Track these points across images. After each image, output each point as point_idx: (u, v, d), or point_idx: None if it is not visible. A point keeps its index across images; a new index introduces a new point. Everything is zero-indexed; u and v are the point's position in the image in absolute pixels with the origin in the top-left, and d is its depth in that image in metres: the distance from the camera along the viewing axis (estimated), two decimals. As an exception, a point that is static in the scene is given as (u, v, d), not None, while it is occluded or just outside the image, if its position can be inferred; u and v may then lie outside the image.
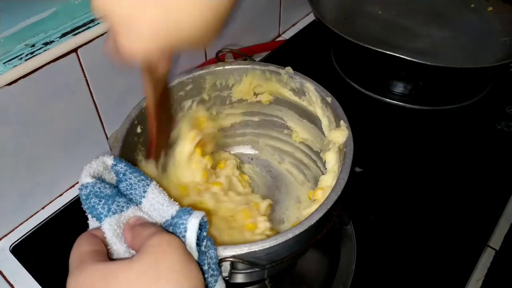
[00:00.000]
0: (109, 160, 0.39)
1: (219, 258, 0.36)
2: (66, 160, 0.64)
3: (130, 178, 0.38)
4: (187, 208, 0.35)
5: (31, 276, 0.57)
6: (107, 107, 0.66)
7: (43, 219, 0.63)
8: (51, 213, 0.64)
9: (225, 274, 0.36)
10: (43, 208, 0.65)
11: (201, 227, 0.34)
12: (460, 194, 0.66)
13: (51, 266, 0.57)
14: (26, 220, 0.64)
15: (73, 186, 0.68)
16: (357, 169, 0.68)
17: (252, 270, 0.40)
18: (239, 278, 0.46)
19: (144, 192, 0.37)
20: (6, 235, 0.62)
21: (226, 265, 0.36)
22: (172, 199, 0.38)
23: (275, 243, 0.37)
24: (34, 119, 0.57)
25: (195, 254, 0.33)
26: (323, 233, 0.43)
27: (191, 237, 0.33)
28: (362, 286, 0.56)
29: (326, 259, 0.59)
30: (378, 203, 0.65)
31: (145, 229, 0.33)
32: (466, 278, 0.57)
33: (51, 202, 0.66)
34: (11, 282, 0.57)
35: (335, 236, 0.60)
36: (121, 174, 0.38)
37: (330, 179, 0.52)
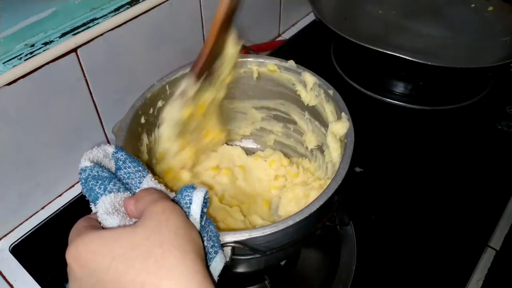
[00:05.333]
0: (110, 148, 0.39)
1: (221, 243, 0.36)
2: (65, 160, 0.64)
3: (128, 167, 0.38)
4: (191, 185, 0.36)
5: (30, 276, 0.57)
6: (107, 107, 0.66)
7: (42, 219, 0.63)
8: (51, 213, 0.64)
9: (226, 258, 0.37)
10: (42, 208, 0.65)
11: (203, 204, 0.35)
12: (461, 194, 0.66)
13: (51, 266, 0.57)
14: (26, 220, 0.63)
15: (72, 186, 0.68)
16: (357, 169, 0.68)
17: (252, 256, 0.40)
18: (241, 268, 0.46)
19: (140, 183, 0.38)
20: (5, 235, 0.62)
21: (228, 250, 0.37)
22: (169, 190, 0.38)
23: (275, 230, 0.38)
24: (34, 119, 0.57)
25: (198, 226, 0.34)
26: (323, 221, 0.43)
27: (196, 209, 0.34)
28: (362, 286, 0.56)
29: (326, 259, 0.59)
30: (378, 203, 0.65)
31: (149, 194, 0.34)
32: (466, 279, 0.57)
33: (50, 202, 0.66)
34: (11, 282, 0.57)
35: (335, 236, 0.60)
36: (121, 162, 0.39)
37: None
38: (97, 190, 0.35)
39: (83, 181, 0.35)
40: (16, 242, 0.61)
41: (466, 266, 0.58)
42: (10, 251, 0.60)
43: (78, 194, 0.66)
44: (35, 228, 0.62)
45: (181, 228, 0.31)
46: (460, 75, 0.74)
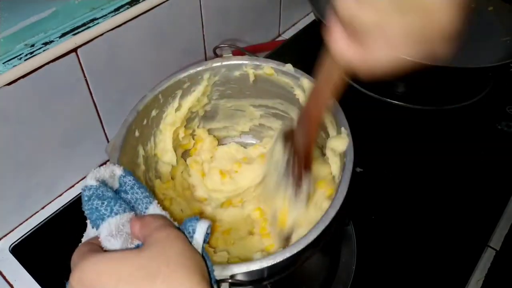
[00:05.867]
0: (118, 171, 0.39)
1: (219, 278, 0.37)
2: (65, 160, 0.64)
3: (136, 193, 0.39)
4: (195, 217, 0.36)
5: (30, 276, 0.57)
6: (107, 107, 0.66)
7: (42, 219, 0.63)
8: (51, 213, 0.64)
9: None
10: (42, 208, 0.65)
11: (205, 234, 0.35)
12: (461, 194, 0.66)
13: (51, 266, 0.57)
14: (26, 220, 0.63)
15: (72, 186, 0.68)
16: (357, 169, 0.68)
17: (251, 287, 0.40)
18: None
19: (146, 209, 0.38)
20: (6, 235, 0.62)
21: (225, 286, 0.37)
22: (172, 219, 0.38)
23: (273, 262, 0.38)
24: (34, 119, 0.57)
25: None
26: (321, 244, 0.43)
27: (198, 238, 0.34)
28: (362, 286, 0.56)
29: (326, 259, 0.59)
30: (378, 203, 0.65)
31: (155, 220, 0.34)
32: (466, 279, 0.57)
33: (50, 202, 0.66)
34: (11, 282, 0.57)
35: (335, 236, 0.60)
36: (128, 187, 0.39)
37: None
38: (103, 211, 0.34)
39: (86, 198, 0.35)
40: (16, 242, 0.61)
41: (466, 266, 0.58)
42: (10, 251, 0.60)
43: (78, 194, 0.66)
44: (35, 228, 0.62)
45: (186, 251, 0.31)
46: (460, 75, 0.74)
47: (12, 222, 0.62)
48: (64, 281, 0.32)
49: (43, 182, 0.63)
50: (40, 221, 0.63)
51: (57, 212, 0.64)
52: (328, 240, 0.43)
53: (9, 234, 0.62)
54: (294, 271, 0.57)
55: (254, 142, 0.67)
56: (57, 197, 0.66)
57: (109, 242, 0.34)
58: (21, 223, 0.63)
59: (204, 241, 0.35)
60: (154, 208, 0.38)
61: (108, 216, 0.34)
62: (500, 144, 0.74)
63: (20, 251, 0.60)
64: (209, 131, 0.65)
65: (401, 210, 0.64)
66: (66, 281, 0.32)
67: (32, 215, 0.64)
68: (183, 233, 0.34)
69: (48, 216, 0.64)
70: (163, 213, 0.38)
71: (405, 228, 0.62)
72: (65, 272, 0.32)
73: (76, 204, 0.65)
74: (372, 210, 0.64)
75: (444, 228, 0.62)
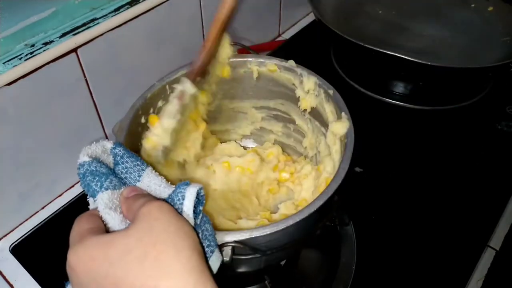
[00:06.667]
0: (108, 144, 0.39)
1: (221, 243, 0.37)
2: (65, 160, 0.64)
3: (126, 162, 0.38)
4: (185, 181, 0.36)
5: (30, 276, 0.57)
6: (107, 107, 0.66)
7: (42, 219, 0.63)
8: (51, 213, 0.64)
9: (227, 258, 0.37)
10: (42, 208, 0.65)
11: (198, 201, 0.35)
12: (460, 194, 0.66)
13: (51, 266, 0.57)
14: (26, 220, 0.63)
15: (72, 186, 0.68)
16: (357, 169, 0.68)
17: (252, 256, 0.40)
18: (241, 267, 0.46)
19: (139, 176, 0.38)
20: (6, 235, 0.62)
21: (228, 250, 0.37)
22: (169, 183, 0.38)
23: (276, 229, 0.38)
24: (34, 119, 0.57)
25: (192, 222, 0.33)
26: (323, 221, 0.43)
27: (188, 205, 0.34)
28: (362, 286, 0.56)
29: (326, 259, 0.59)
30: (378, 203, 0.65)
31: (136, 201, 0.34)
32: (466, 279, 0.57)
33: (50, 202, 0.66)
34: (11, 282, 0.57)
35: (335, 236, 0.60)
36: (119, 157, 0.39)
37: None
38: (94, 186, 0.35)
39: (81, 176, 0.36)
40: (16, 242, 0.61)
41: (466, 266, 0.58)
42: (10, 251, 0.60)
43: (78, 194, 0.66)
44: (35, 228, 0.62)
45: (172, 225, 0.31)
46: (460, 75, 0.74)
47: (12, 222, 0.62)
48: (64, 281, 0.32)
49: (43, 182, 0.63)
50: (40, 221, 0.63)
51: (57, 212, 0.64)
52: (331, 217, 0.44)
53: (9, 234, 0.62)
54: (294, 268, 0.57)
55: (255, 146, 0.67)
56: (56, 197, 0.66)
57: (108, 215, 0.34)
58: (21, 223, 0.63)
59: (198, 205, 0.34)
60: (148, 175, 0.38)
61: (99, 192, 0.35)
62: (500, 144, 0.74)
63: (20, 251, 0.60)
64: (211, 133, 0.65)
65: (401, 210, 0.64)
66: (66, 281, 0.32)
67: (32, 215, 0.64)
68: (173, 202, 0.34)
69: (48, 216, 0.64)
70: (159, 178, 0.38)
71: (405, 228, 0.62)
72: (65, 272, 0.32)
73: (76, 204, 0.65)
74: (372, 210, 0.64)
75: (444, 228, 0.62)
